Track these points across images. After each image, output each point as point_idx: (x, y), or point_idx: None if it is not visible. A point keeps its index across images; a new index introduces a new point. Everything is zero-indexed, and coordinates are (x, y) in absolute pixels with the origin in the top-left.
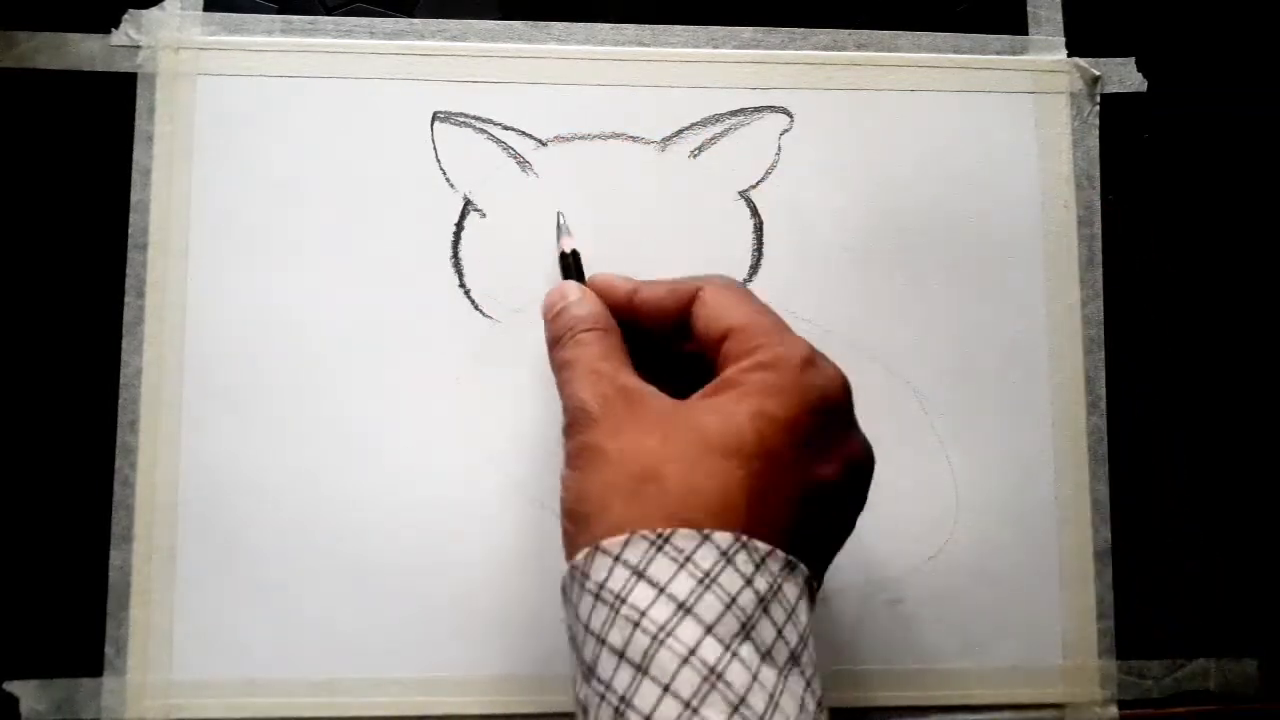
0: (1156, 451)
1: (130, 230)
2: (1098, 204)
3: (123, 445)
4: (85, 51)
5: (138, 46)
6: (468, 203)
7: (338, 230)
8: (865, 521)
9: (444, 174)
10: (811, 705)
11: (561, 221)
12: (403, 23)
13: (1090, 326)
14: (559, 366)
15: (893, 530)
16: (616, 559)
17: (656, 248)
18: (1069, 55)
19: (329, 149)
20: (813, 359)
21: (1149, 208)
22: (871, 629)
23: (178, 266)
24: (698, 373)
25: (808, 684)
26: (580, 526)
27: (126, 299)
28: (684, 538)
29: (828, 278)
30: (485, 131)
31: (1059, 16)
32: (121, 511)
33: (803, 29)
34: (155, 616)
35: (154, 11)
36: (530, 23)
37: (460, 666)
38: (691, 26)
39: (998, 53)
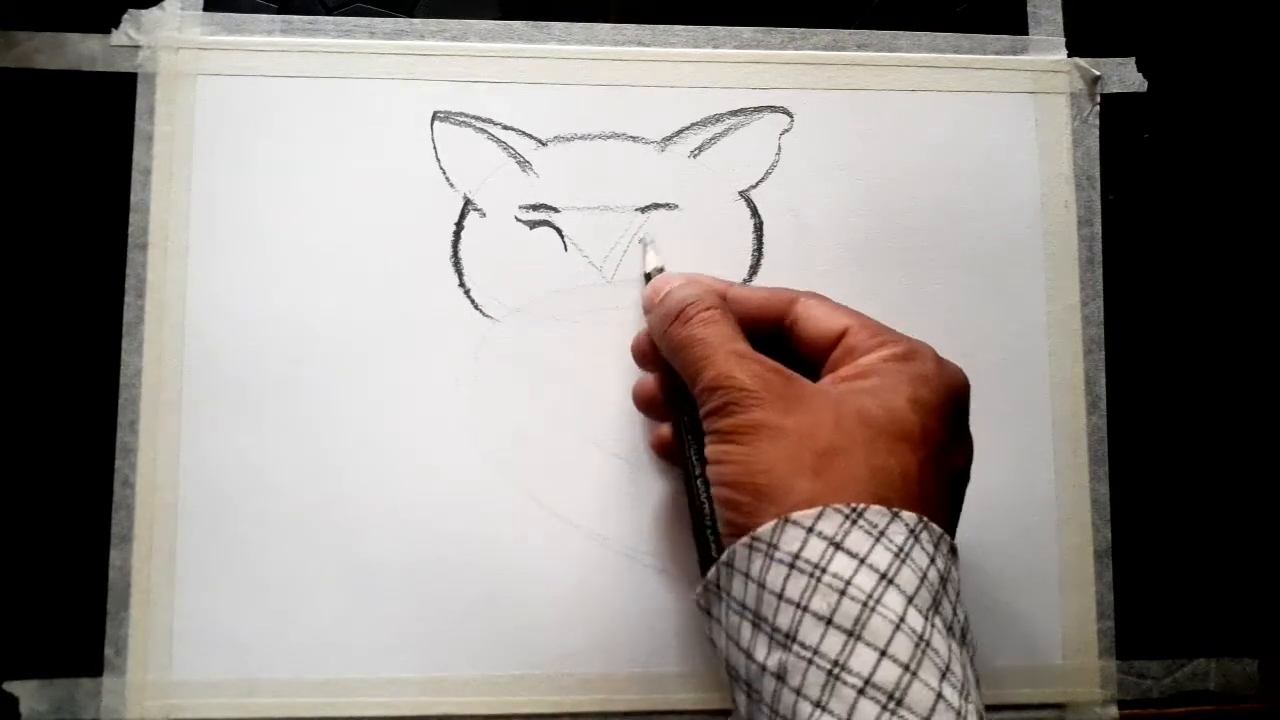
0: (1156, 451)
1: (130, 230)
2: (1098, 204)
3: (123, 445)
4: (85, 51)
5: (138, 46)
6: (468, 203)
7: (338, 230)
8: None
9: (444, 174)
10: (978, 682)
11: (646, 238)
12: (403, 23)
13: (1090, 326)
14: (682, 344)
15: None
16: (810, 530)
17: (656, 248)
18: (1069, 55)
19: (329, 149)
20: (939, 355)
21: (1149, 208)
22: None
23: (178, 266)
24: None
25: (971, 661)
26: (760, 498)
27: (126, 299)
28: (876, 514)
29: (828, 278)
30: (485, 131)
31: (1059, 16)
32: (121, 511)
33: (803, 29)
34: (155, 616)
35: (154, 11)
36: (530, 23)
37: (460, 666)
38: (691, 26)
39: (998, 53)
